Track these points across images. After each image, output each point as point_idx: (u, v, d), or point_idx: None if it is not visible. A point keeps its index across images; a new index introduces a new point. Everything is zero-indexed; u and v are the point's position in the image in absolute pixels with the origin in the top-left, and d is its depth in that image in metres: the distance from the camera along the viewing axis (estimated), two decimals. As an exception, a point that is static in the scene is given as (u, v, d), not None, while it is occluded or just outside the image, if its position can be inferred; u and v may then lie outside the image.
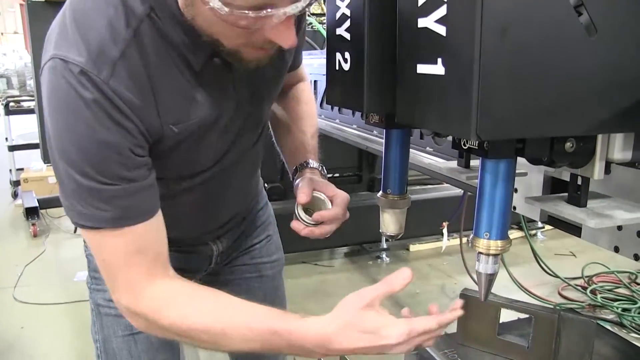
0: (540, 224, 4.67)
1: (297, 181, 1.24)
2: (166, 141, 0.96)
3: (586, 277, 3.88)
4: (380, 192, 0.98)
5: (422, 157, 1.51)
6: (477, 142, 0.71)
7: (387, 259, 4.10)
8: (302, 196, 1.15)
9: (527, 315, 1.04)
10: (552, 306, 2.36)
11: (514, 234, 4.58)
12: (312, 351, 0.91)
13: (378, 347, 0.89)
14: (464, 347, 1.06)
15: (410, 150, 1.69)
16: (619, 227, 0.91)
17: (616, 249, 0.91)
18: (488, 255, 0.76)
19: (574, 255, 4.26)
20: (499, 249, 0.75)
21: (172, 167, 1.03)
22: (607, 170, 0.83)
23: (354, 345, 0.89)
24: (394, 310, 0.95)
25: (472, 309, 1.07)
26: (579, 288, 3.72)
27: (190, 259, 1.33)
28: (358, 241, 4.10)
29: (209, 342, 0.94)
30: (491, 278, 0.78)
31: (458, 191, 4.30)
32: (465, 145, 0.74)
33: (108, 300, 1.25)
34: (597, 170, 0.76)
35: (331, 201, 1.18)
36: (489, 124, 0.60)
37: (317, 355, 0.92)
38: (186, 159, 1.04)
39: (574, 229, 1.06)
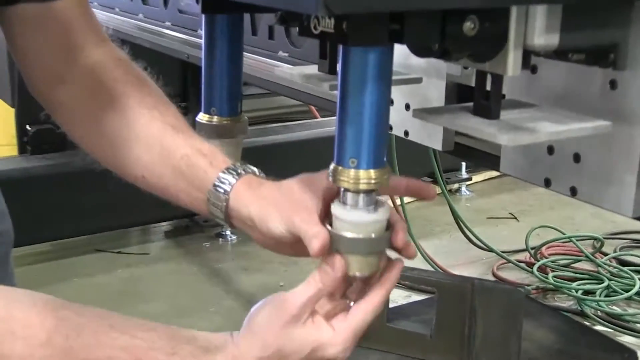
0: (464, 174, 4.85)
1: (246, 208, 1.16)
2: None
3: (532, 248, 4.04)
4: (201, 114, 1.00)
5: (272, 67, 1.54)
6: (331, 20, 0.74)
7: (233, 237, 4.14)
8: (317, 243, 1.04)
9: (428, 295, 1.11)
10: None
11: (427, 190, 4.77)
12: None
13: None
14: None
15: (257, 57, 1.71)
16: (550, 150, 0.99)
17: (547, 182, 1.00)
18: (357, 192, 0.81)
19: (515, 218, 4.47)
20: (373, 181, 0.80)
21: None
22: (528, 64, 0.90)
23: None
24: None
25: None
26: (523, 265, 3.90)
27: None
28: (186, 212, 4.10)
29: None
30: (365, 229, 0.83)
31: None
32: (316, 29, 0.77)
33: None
34: (512, 62, 0.83)
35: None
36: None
37: None
38: None
39: (492, 160, 1.14)
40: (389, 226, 0.99)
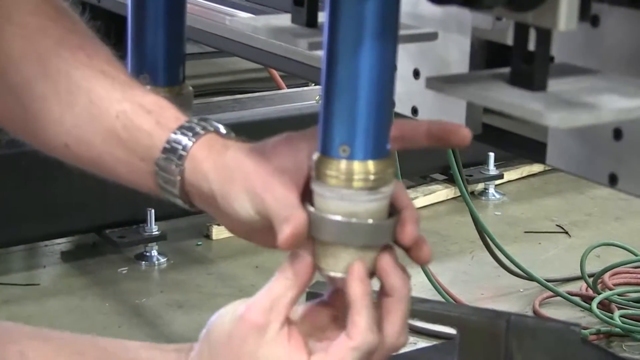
0: (493, 169, 4.82)
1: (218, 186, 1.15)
2: None
3: (591, 276, 4.04)
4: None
5: (224, 15, 1.55)
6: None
7: (162, 258, 4.09)
8: None
9: (442, 339, 1.14)
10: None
11: (438, 193, 4.74)
12: None
13: None
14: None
15: (201, 1, 1.71)
16: (618, 135, 1.01)
17: (613, 180, 1.02)
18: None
19: (566, 233, 4.48)
20: (372, 177, 0.83)
21: None
22: (587, 14, 0.92)
23: None
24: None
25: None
26: (577, 299, 3.91)
27: None
28: (95, 223, 4.09)
29: None
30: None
31: (312, 103, 4.34)
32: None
33: None
34: (565, 11, 0.85)
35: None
36: None
37: None
38: None
39: (534, 149, 1.16)
40: (395, 212, 0.98)
